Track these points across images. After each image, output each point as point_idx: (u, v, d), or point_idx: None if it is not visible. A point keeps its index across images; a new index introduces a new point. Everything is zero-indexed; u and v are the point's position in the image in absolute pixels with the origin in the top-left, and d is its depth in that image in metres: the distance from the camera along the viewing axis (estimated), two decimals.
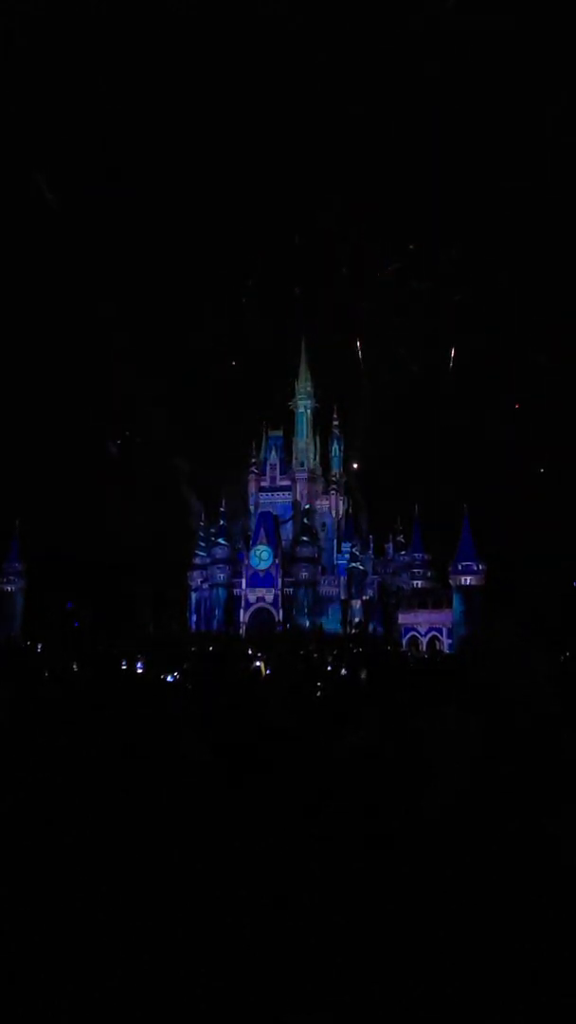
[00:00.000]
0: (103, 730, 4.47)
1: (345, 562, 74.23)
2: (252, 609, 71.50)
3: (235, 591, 72.23)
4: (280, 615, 70.21)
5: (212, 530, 74.40)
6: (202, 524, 76.43)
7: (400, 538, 75.36)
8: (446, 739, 3.55)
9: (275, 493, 78.66)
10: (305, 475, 77.81)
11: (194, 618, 75.13)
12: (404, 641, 62.45)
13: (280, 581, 70.99)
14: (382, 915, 2.87)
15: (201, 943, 2.86)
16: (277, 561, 71.32)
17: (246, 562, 72.22)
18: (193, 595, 76.35)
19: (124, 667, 14.37)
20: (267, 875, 3.01)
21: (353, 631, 67.52)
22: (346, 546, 75.49)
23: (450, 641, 60.86)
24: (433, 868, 3.04)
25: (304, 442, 79.37)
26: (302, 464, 78.39)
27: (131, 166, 77.18)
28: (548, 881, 2.89)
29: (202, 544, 75.51)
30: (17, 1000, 2.70)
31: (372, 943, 2.79)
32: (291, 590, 70.53)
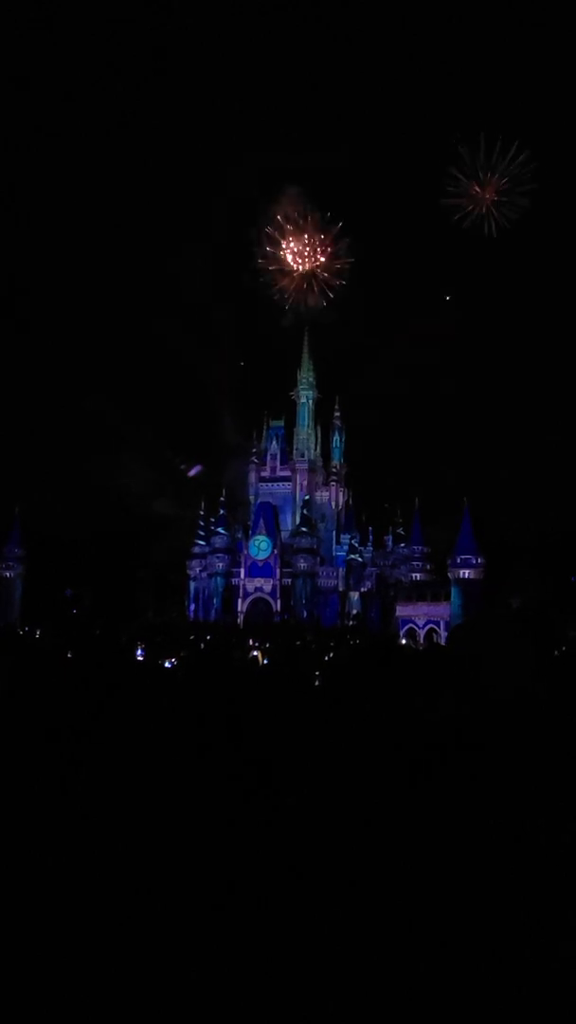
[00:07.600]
0: (99, 716, 4.52)
1: (344, 553, 74.23)
2: (250, 599, 71.53)
3: (234, 580, 72.24)
4: (278, 605, 70.24)
5: (212, 519, 74.37)
6: (202, 513, 76.40)
7: (400, 530, 75.33)
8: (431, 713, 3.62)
9: (275, 483, 78.57)
10: (305, 465, 77.68)
11: (193, 607, 75.17)
12: (402, 633, 62.52)
13: (279, 571, 71.01)
14: (380, 907, 2.87)
15: (201, 935, 2.85)
16: (276, 551, 71.29)
17: (245, 552, 72.21)
18: (192, 584, 76.36)
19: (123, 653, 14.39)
20: (265, 858, 3.04)
21: (351, 623, 67.64)
22: (345, 537, 75.46)
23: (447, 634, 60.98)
24: (430, 859, 3.05)
25: (305, 432, 79.23)
26: (303, 455, 78.27)
27: (127, 154, 76.71)
28: (544, 872, 2.88)
29: (202, 533, 75.49)
30: (17, 995, 2.69)
31: (372, 938, 2.76)
32: (289, 580, 70.54)
